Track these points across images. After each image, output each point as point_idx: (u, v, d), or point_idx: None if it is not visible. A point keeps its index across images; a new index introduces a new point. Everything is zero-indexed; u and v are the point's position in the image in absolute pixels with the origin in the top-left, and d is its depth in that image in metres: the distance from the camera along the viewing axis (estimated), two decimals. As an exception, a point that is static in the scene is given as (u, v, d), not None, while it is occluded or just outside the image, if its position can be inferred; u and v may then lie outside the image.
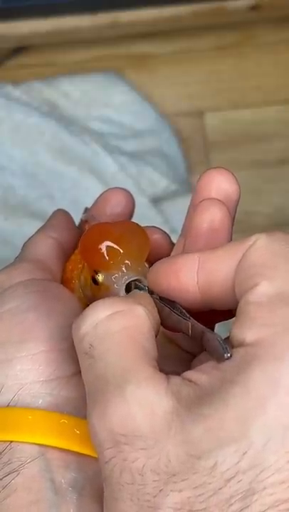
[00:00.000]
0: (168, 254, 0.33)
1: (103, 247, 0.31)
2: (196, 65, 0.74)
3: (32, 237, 0.36)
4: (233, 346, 0.25)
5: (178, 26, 0.73)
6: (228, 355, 0.24)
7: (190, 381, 0.24)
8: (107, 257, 0.31)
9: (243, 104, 0.74)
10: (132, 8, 0.71)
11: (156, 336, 0.27)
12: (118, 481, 0.24)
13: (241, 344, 0.24)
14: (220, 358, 0.24)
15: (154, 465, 0.23)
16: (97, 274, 0.31)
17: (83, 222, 0.37)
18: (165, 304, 0.28)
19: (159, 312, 0.28)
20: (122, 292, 0.31)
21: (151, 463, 0.23)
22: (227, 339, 0.26)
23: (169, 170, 0.70)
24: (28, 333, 0.30)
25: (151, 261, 0.31)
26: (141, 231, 0.32)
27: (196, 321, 0.27)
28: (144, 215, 0.67)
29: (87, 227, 0.36)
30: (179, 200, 0.69)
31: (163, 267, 0.28)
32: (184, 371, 0.25)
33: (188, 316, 0.28)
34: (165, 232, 0.35)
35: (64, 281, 0.35)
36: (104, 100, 0.72)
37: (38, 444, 0.28)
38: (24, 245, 0.35)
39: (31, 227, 0.39)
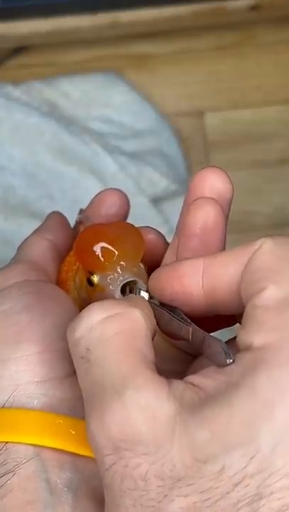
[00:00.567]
0: (163, 255, 0.33)
1: (98, 248, 0.30)
2: (196, 65, 0.75)
3: (27, 238, 0.36)
4: (239, 350, 0.24)
5: (178, 26, 0.73)
6: (231, 360, 0.24)
7: (193, 385, 0.24)
8: (102, 258, 0.30)
9: (243, 104, 0.74)
10: (132, 8, 0.71)
11: (152, 339, 0.27)
12: (120, 487, 0.24)
13: (248, 348, 0.24)
14: (221, 364, 0.24)
15: (158, 470, 0.23)
16: (92, 275, 0.31)
17: (78, 223, 0.37)
18: (165, 309, 0.28)
19: (159, 318, 0.28)
20: (118, 293, 0.30)
21: (155, 468, 0.23)
22: (227, 343, 0.25)
23: (169, 170, 0.70)
24: (22, 334, 0.30)
25: (146, 261, 0.31)
26: (135, 232, 0.31)
27: (197, 327, 0.27)
28: (144, 215, 0.67)
29: (82, 228, 0.36)
30: (179, 200, 0.69)
31: (166, 272, 0.28)
32: (183, 371, 0.25)
33: (189, 321, 0.27)
34: (160, 233, 0.34)
35: (59, 283, 0.34)
36: (104, 100, 0.72)
37: (34, 445, 0.28)
38: (19, 247, 0.35)
39: (31, 227, 0.38)
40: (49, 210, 0.39)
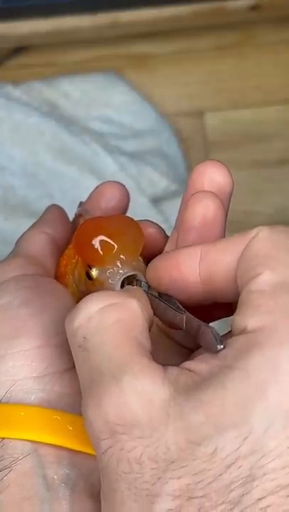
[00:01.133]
0: (162, 248, 0.33)
1: (97, 241, 0.30)
2: (196, 65, 0.74)
3: (25, 232, 0.36)
4: (233, 334, 0.24)
5: (178, 26, 0.73)
6: (221, 346, 0.24)
7: (189, 370, 0.24)
8: (101, 252, 0.30)
9: (243, 104, 0.73)
10: (132, 8, 0.71)
11: (149, 330, 0.27)
12: (115, 471, 0.24)
13: (243, 332, 0.24)
14: (213, 350, 0.24)
15: (152, 453, 0.23)
16: (91, 269, 0.31)
17: (77, 216, 0.37)
18: (162, 299, 0.28)
19: (156, 308, 0.28)
20: (118, 288, 0.30)
21: (149, 451, 0.23)
22: (226, 335, 0.26)
23: (169, 170, 0.69)
24: (20, 328, 0.30)
25: (145, 255, 0.31)
26: (135, 225, 0.31)
27: (191, 315, 0.27)
28: (144, 215, 0.66)
29: (81, 221, 0.36)
30: (179, 200, 0.67)
31: (163, 260, 0.28)
32: (179, 364, 0.25)
33: (183, 309, 0.27)
34: (159, 226, 0.34)
35: (58, 277, 0.34)
36: (104, 100, 0.72)
37: (31, 441, 0.28)
38: (18, 241, 0.35)
39: (31, 227, 0.38)
40: (49, 210, 0.39)
